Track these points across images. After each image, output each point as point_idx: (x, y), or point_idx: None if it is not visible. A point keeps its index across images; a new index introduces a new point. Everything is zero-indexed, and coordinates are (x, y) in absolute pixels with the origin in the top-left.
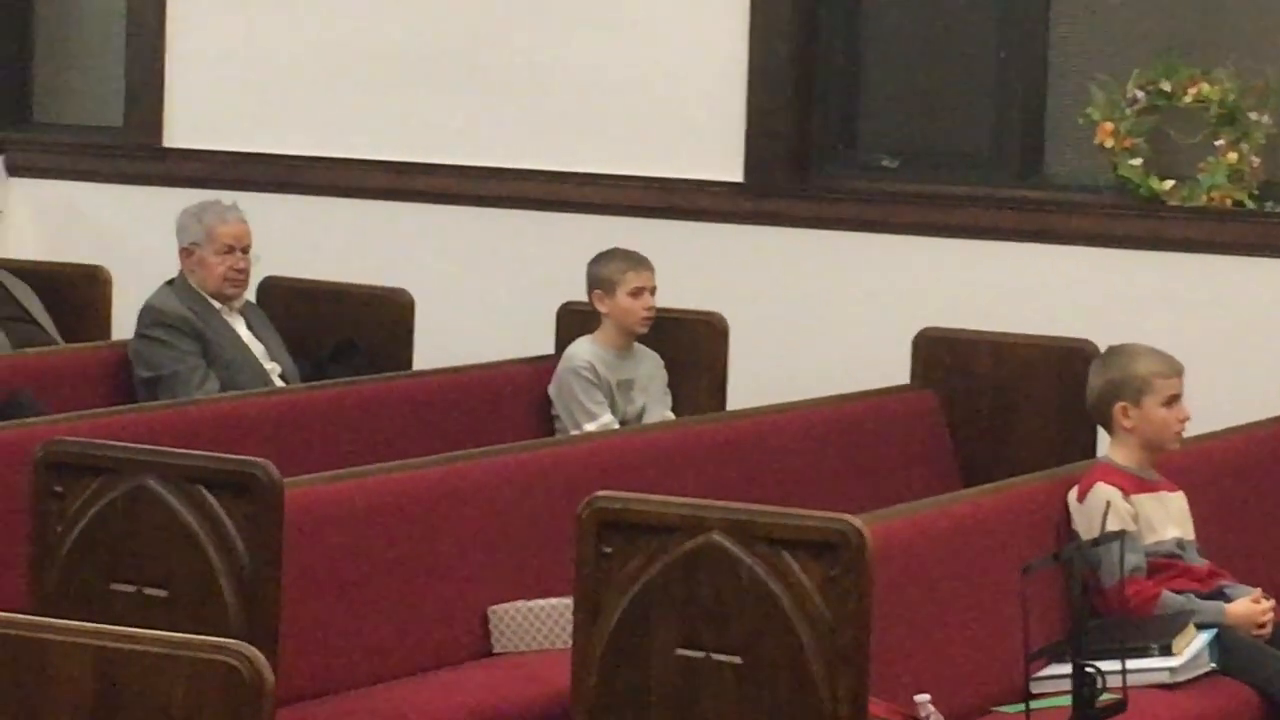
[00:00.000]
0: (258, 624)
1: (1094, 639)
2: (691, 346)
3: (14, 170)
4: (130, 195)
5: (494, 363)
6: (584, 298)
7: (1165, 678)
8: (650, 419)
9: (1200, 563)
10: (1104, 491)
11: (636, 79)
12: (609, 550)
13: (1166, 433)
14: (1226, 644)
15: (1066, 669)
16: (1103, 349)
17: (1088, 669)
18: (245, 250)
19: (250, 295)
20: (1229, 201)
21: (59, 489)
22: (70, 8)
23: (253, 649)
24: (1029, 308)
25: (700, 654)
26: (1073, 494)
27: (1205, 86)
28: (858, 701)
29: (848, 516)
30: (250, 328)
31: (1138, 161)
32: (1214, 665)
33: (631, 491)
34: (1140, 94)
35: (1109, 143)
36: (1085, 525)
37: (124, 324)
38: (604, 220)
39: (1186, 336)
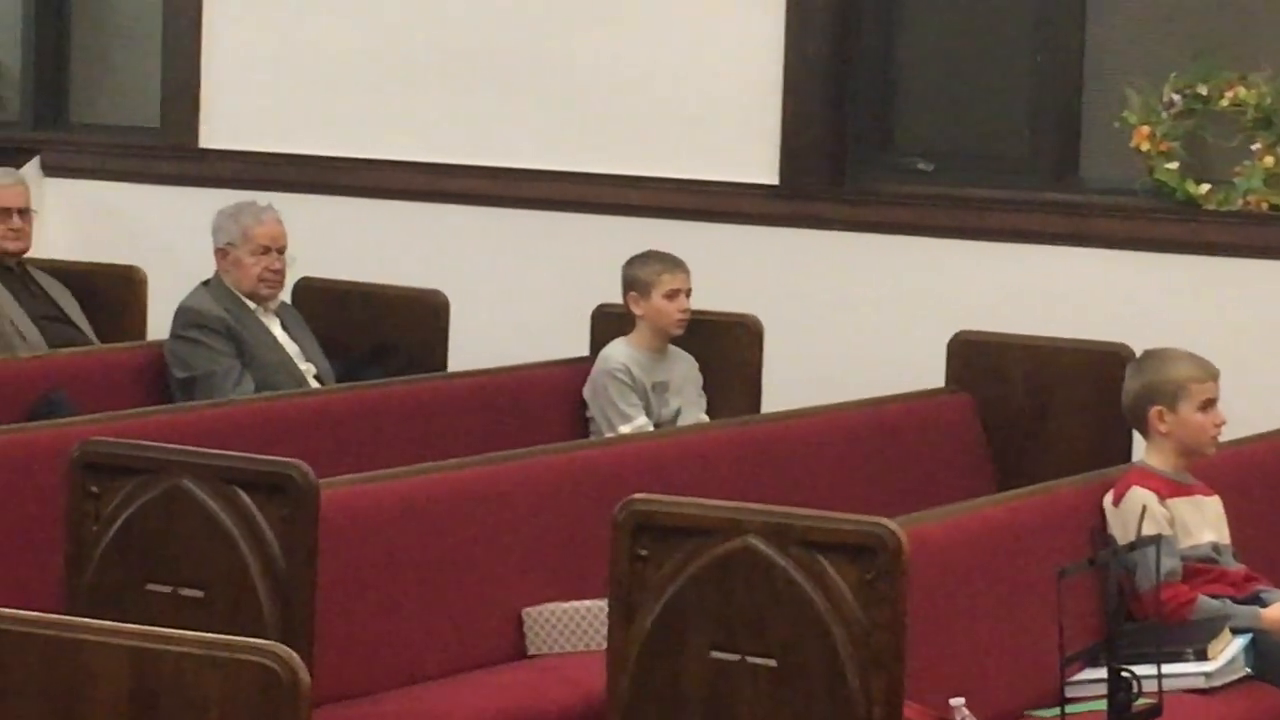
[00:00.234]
0: (293, 625)
1: (1129, 643)
2: (726, 349)
3: (50, 170)
4: (166, 196)
5: (529, 364)
6: (619, 299)
7: (1200, 682)
8: (685, 421)
9: (1236, 567)
10: (1140, 495)
11: (673, 81)
12: (645, 553)
13: (1202, 437)
14: (1262, 649)
15: (1102, 673)
16: (1138, 353)
17: (1123, 673)
18: (281, 251)
19: (285, 296)
20: (1265, 205)
21: (95, 489)
22: (107, 8)
23: (289, 650)
24: (1064, 311)
25: (735, 657)
26: (1108, 498)
27: (1242, 90)
28: (892, 705)
29: (884, 520)
30: (285, 328)
31: (1174, 165)
32: (1249, 670)
33: (665, 494)
34: (1176, 97)
35: (1145, 146)
36: (1121, 529)
37: (159, 324)
38: (639, 222)
39: (1223, 340)
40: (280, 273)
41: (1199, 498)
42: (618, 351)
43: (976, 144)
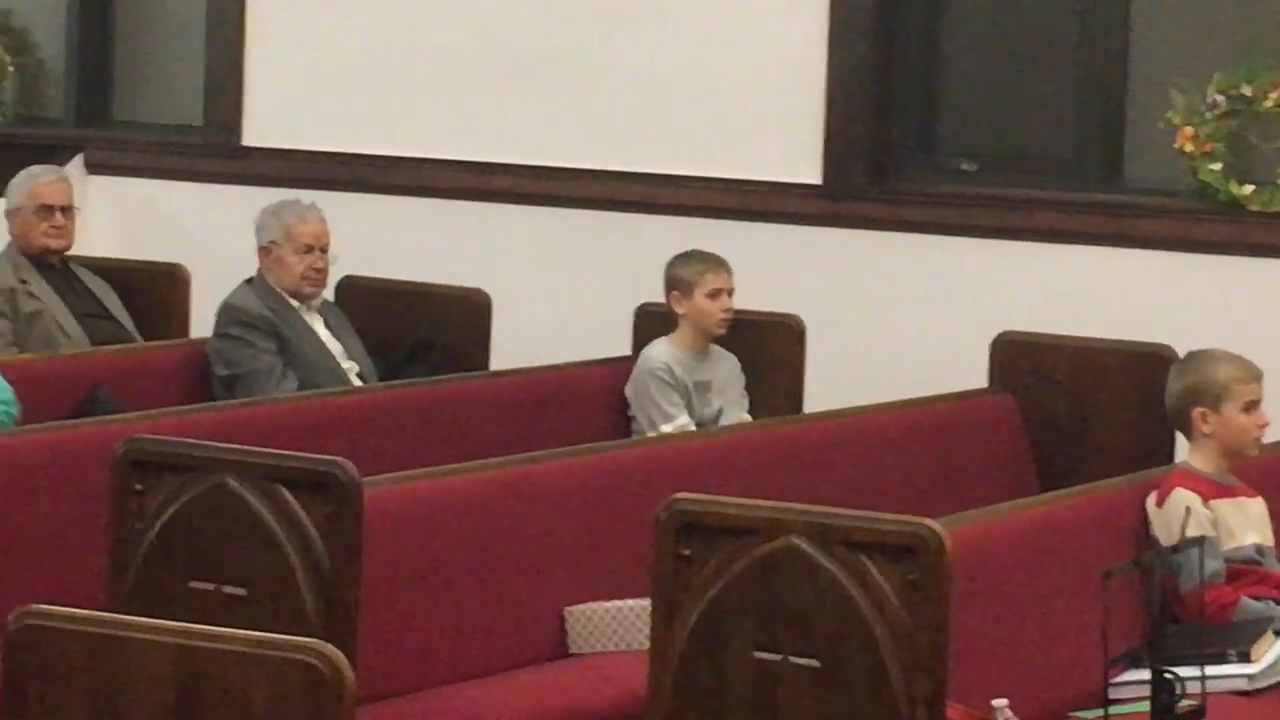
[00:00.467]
0: (336, 623)
1: (1172, 645)
2: (769, 349)
3: (94, 168)
4: (209, 194)
5: (571, 364)
6: (662, 299)
7: (1243, 684)
8: (727, 421)
9: (1279, 569)
10: (1183, 497)
11: (716, 80)
12: (687, 552)
13: (1245, 438)
14: None
15: (1145, 675)
16: (1182, 354)
17: (1166, 675)
18: (324, 249)
19: (328, 294)
20: None
21: (139, 487)
22: (151, 7)
23: (333, 648)
24: (1108, 312)
25: (777, 657)
26: (1151, 499)
27: None
28: (935, 706)
29: (927, 520)
30: (328, 327)
31: (1217, 166)
32: None
33: (707, 493)
34: (1220, 98)
35: (1189, 147)
36: (1164, 530)
37: (202, 322)
38: (682, 221)
39: (1266, 342)
40: (323, 271)
41: (1242, 499)
42: (660, 351)
43: (1020, 144)
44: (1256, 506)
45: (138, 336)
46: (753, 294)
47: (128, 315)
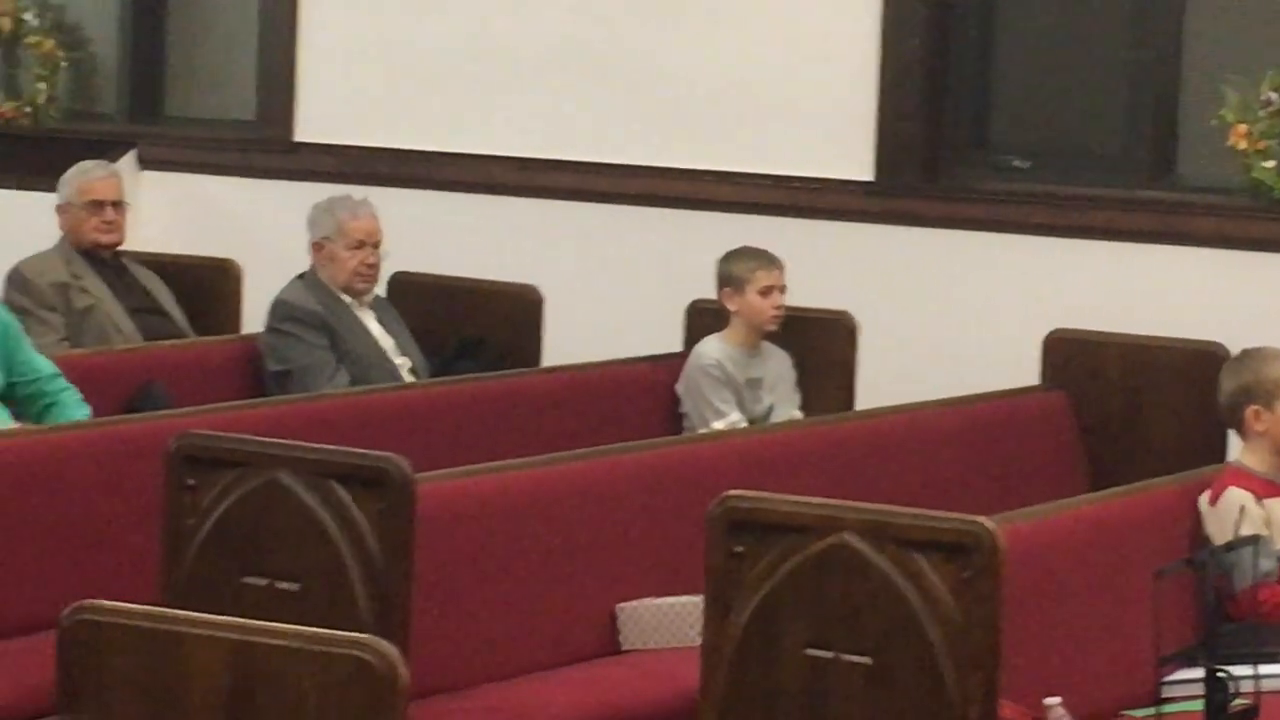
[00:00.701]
0: (388, 619)
1: (1226, 644)
2: (820, 346)
3: (146, 164)
4: (261, 189)
5: (622, 360)
6: (713, 295)
7: None
8: (778, 418)
9: None
10: (1237, 496)
11: (768, 77)
12: (740, 549)
13: None
14: None
15: (1198, 674)
16: (1234, 352)
17: (1219, 674)
18: (376, 245)
19: (380, 290)
20: None
21: (192, 482)
22: (204, 2)
23: (388, 644)
24: (1160, 310)
25: (830, 655)
26: (1204, 498)
27: None
28: (988, 704)
29: (980, 518)
30: (380, 322)
31: (1270, 164)
32: None
33: (759, 490)
34: (1274, 95)
35: (1242, 145)
36: (1218, 529)
37: (254, 317)
38: (734, 218)
39: None
40: (375, 267)
41: None
42: (711, 348)
43: (1073, 141)
44: None
45: (190, 332)
46: (804, 291)
47: (180, 310)
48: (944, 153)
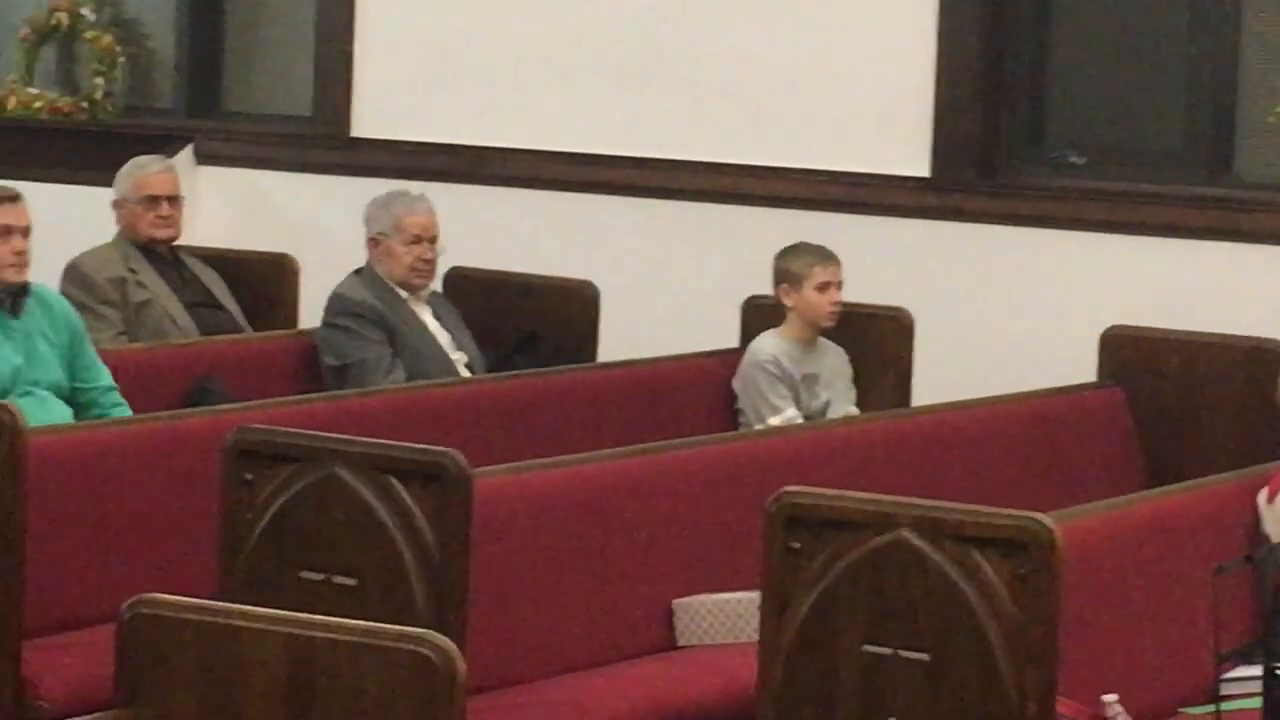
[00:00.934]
0: (446, 614)
1: None
2: (877, 342)
3: (203, 159)
4: (318, 184)
5: (679, 356)
6: (770, 291)
7: None
8: (834, 414)
9: None
10: None
11: (824, 73)
12: (797, 545)
13: None
14: None
15: (1257, 671)
16: None
17: (1278, 671)
18: (432, 241)
19: (436, 285)
20: None
21: (249, 477)
22: None
23: (446, 639)
24: (1218, 306)
25: (887, 651)
26: (1262, 495)
27: None
28: (1046, 701)
29: (1038, 515)
30: (436, 317)
31: None
32: None
33: (814, 486)
34: None
35: None
36: (1275, 526)
37: (311, 312)
38: (790, 214)
39: None
40: (432, 262)
41: None
42: (768, 343)
43: (1130, 138)
44: None
45: (247, 326)
46: (861, 287)
47: (237, 305)
48: (1000, 149)
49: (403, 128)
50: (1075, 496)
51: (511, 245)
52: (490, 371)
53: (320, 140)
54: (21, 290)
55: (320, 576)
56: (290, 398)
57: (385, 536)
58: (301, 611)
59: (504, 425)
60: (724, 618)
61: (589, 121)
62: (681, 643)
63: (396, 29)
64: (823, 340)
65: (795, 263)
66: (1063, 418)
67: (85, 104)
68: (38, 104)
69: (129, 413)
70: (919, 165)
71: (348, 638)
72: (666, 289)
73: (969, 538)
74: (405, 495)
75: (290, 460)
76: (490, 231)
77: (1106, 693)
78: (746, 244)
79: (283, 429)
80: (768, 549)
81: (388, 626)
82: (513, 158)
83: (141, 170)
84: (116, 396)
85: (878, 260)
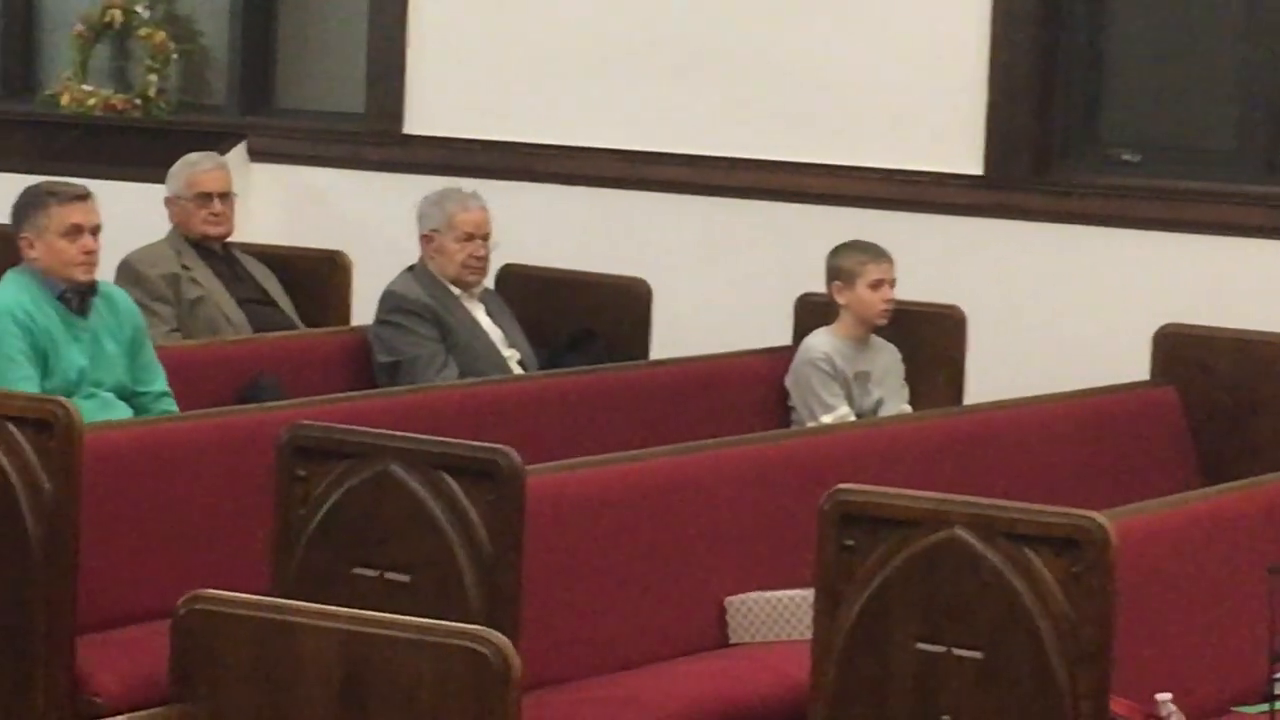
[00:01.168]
0: (498, 611)
1: None
2: (930, 340)
3: (256, 155)
4: (371, 181)
5: (731, 353)
6: (823, 289)
7: None
8: (887, 412)
9: None
10: None
11: (877, 71)
12: (851, 543)
13: None
14: None
15: None
16: None
17: None
18: (485, 238)
19: (489, 282)
20: None
21: (303, 473)
22: None
23: (500, 636)
24: (1271, 305)
25: (940, 649)
26: None
27: None
28: (1099, 699)
29: (1092, 513)
30: (489, 314)
31: None
32: None
33: (866, 484)
34: None
35: None
36: None
37: (364, 309)
38: (843, 212)
39: None
40: (484, 259)
41: None
42: (820, 341)
43: (1183, 136)
44: None
45: (299, 323)
46: (914, 285)
47: (289, 301)
48: (1054, 146)
49: (455, 125)
50: (1128, 494)
51: (564, 242)
52: (542, 369)
53: (373, 137)
54: (90, 289)
55: (374, 573)
56: (343, 394)
57: (438, 533)
58: (355, 608)
59: (556, 422)
60: (777, 615)
61: (642, 119)
62: (734, 640)
63: (449, 26)
64: (875, 338)
65: (848, 260)
66: (1115, 416)
67: (138, 101)
68: (91, 101)
69: None
70: (973, 163)
71: (402, 634)
72: (719, 286)
73: (1022, 536)
74: (458, 492)
75: (344, 457)
76: (543, 229)
77: (1160, 691)
78: (799, 241)
79: (336, 425)
80: (821, 547)
81: (442, 623)
82: (565, 155)
83: (194, 167)
84: (169, 403)
85: (931, 258)
